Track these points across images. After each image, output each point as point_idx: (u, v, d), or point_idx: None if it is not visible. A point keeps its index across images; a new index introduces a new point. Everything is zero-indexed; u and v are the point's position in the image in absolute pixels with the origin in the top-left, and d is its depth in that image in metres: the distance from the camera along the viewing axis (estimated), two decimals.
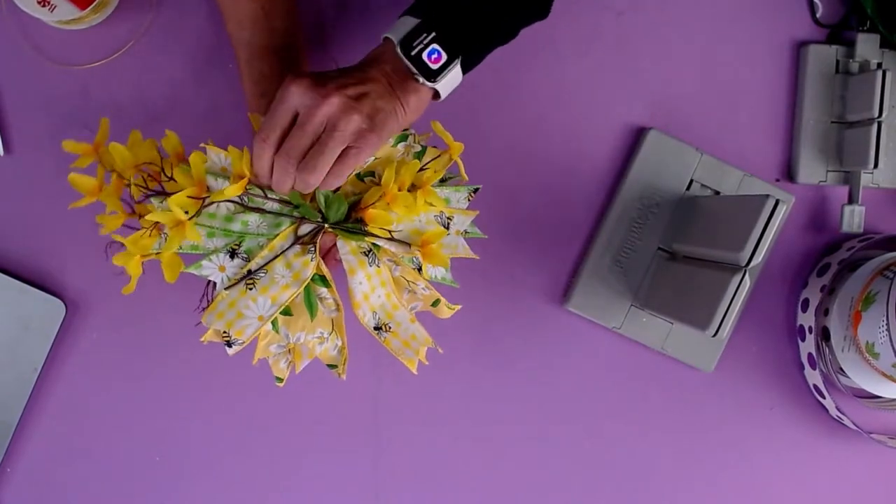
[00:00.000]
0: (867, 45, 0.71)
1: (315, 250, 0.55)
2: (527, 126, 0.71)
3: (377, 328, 0.57)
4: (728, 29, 0.73)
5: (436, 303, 0.59)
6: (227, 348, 0.54)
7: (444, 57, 0.52)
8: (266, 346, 0.57)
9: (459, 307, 0.60)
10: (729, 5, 0.72)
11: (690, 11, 0.72)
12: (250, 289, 0.54)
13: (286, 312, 0.56)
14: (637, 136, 0.72)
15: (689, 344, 0.71)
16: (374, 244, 0.56)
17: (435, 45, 0.52)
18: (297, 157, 0.50)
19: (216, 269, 0.54)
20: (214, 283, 0.55)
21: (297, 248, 0.55)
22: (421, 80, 0.52)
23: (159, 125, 0.68)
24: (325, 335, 0.58)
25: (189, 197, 0.52)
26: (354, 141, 0.50)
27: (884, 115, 0.68)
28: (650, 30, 0.72)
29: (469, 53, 0.54)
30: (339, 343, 0.58)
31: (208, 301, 0.56)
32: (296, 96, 0.49)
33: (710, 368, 0.71)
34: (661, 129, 0.71)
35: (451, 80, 0.53)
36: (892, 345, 0.61)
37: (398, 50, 0.51)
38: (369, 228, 0.55)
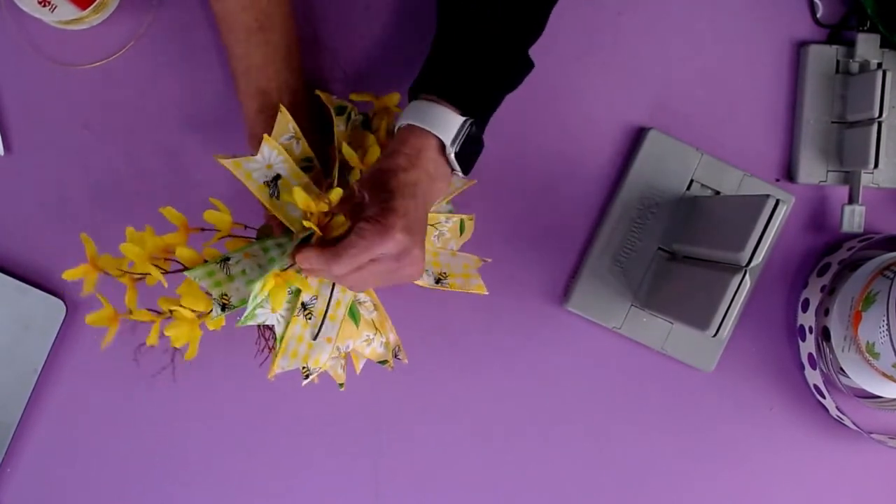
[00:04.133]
0: (867, 45, 0.71)
1: None
2: (527, 126, 0.71)
3: (437, 281, 0.60)
4: (728, 29, 0.73)
5: (462, 228, 0.62)
6: (303, 380, 0.56)
7: (480, 147, 0.55)
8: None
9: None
10: (729, 5, 0.72)
11: (690, 11, 0.72)
12: (309, 318, 0.55)
13: None
14: (637, 136, 0.72)
15: (689, 344, 0.71)
16: None
17: (477, 147, 0.54)
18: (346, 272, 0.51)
19: (269, 313, 0.54)
20: (268, 326, 0.55)
21: None
22: (461, 175, 0.54)
23: (159, 125, 0.68)
24: (371, 336, 0.60)
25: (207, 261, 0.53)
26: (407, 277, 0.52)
27: (884, 115, 0.68)
28: (650, 30, 0.72)
29: (486, 121, 0.56)
30: (384, 339, 0.61)
31: (266, 343, 0.58)
32: (392, 246, 0.49)
33: (710, 368, 0.71)
34: (661, 129, 0.71)
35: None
36: (893, 345, 0.61)
37: (451, 153, 0.52)
38: None
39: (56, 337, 0.67)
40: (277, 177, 0.55)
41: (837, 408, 0.70)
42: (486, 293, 0.62)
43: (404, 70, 0.69)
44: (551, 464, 0.72)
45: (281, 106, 0.56)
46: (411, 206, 0.49)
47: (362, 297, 0.59)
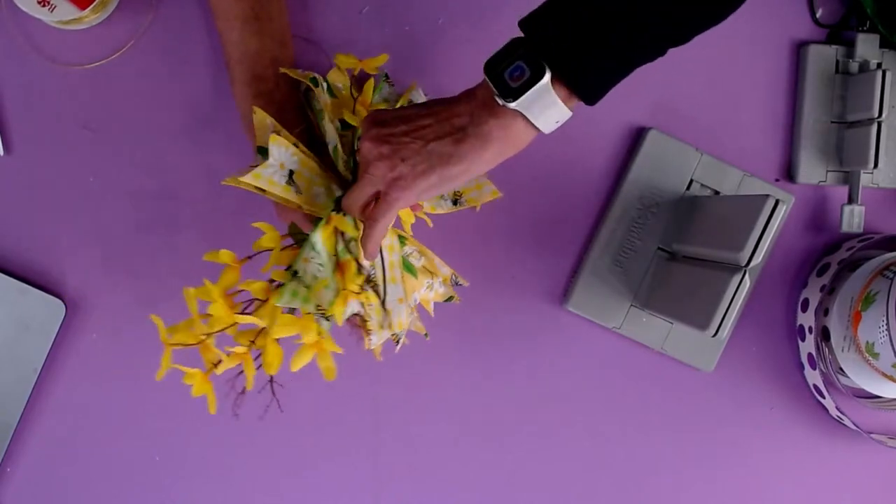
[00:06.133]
0: (867, 45, 0.71)
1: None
2: None
3: (455, 202, 0.61)
4: (728, 29, 0.72)
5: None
6: (396, 346, 0.58)
7: (527, 73, 0.46)
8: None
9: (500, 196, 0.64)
10: None
11: None
12: (375, 289, 0.56)
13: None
14: (637, 136, 0.72)
15: (689, 344, 0.71)
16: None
17: (519, 62, 0.46)
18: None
19: (353, 304, 0.55)
20: (354, 314, 0.56)
21: None
22: (501, 102, 0.46)
23: (159, 125, 0.68)
24: (430, 281, 0.62)
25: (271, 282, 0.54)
26: (383, 186, 0.50)
27: (884, 115, 0.68)
28: None
29: (573, 71, 0.46)
30: (440, 278, 0.63)
31: (358, 328, 0.58)
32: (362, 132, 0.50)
33: (710, 368, 0.71)
34: (661, 129, 0.71)
35: (545, 105, 0.47)
36: (892, 345, 0.61)
37: (483, 69, 0.47)
38: None
39: (56, 337, 0.67)
40: (291, 172, 0.55)
41: (837, 408, 0.70)
42: (501, 195, 0.62)
43: (397, 68, 0.69)
44: (551, 463, 0.72)
45: (254, 107, 0.56)
46: (408, 110, 0.50)
47: (408, 248, 0.60)
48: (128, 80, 0.68)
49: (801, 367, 0.73)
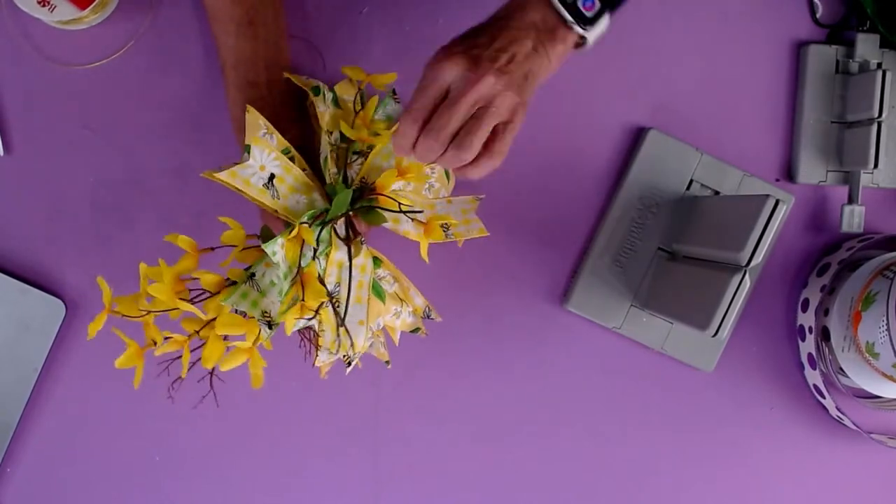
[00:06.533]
0: (867, 45, 0.71)
1: (361, 237, 0.56)
2: (526, 126, 0.71)
3: (444, 228, 0.60)
4: (728, 29, 0.73)
5: (448, 175, 0.62)
6: (347, 367, 0.56)
7: (598, 5, 0.51)
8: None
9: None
10: (729, 5, 0.72)
11: (690, 11, 0.72)
12: (338, 307, 0.55)
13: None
14: (637, 136, 0.72)
15: (689, 344, 0.71)
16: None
17: None
18: (449, 136, 0.49)
19: (306, 319, 0.54)
20: (307, 327, 0.56)
21: (347, 248, 0.56)
22: (575, 27, 0.51)
23: (159, 125, 0.68)
24: (398, 309, 0.61)
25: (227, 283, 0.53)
26: (509, 116, 0.50)
27: (884, 115, 0.68)
28: (650, 30, 0.72)
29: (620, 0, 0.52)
30: (411, 308, 0.62)
31: (311, 343, 0.58)
32: (450, 74, 0.49)
33: (710, 368, 0.71)
34: (661, 129, 0.71)
35: (600, 27, 0.52)
36: (892, 345, 0.61)
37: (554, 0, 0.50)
38: (382, 203, 0.57)
39: (56, 337, 0.67)
40: (272, 176, 0.55)
41: (837, 408, 0.70)
42: (488, 234, 0.62)
43: (397, 68, 0.69)
44: (551, 463, 0.72)
45: (248, 106, 0.56)
46: (485, 40, 0.49)
47: (381, 272, 0.60)
48: (128, 80, 0.68)
49: (801, 367, 0.73)
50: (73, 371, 0.68)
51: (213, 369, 0.54)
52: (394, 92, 0.62)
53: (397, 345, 0.64)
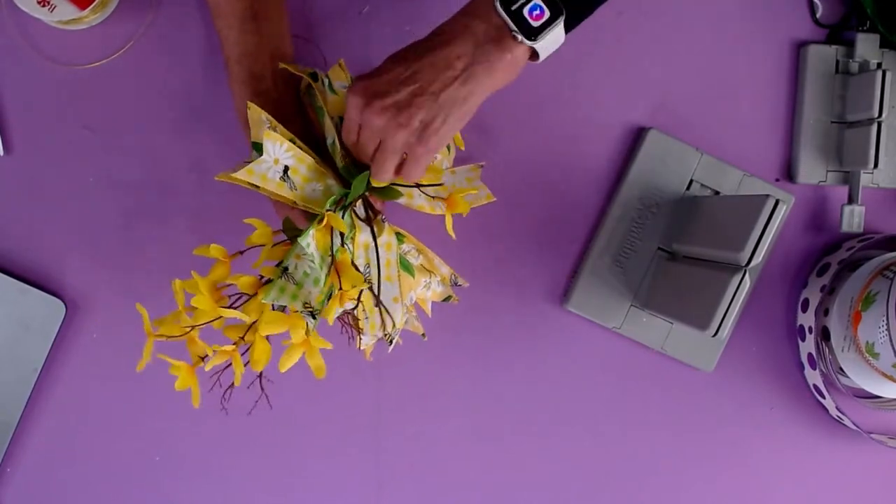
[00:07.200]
0: (867, 45, 0.71)
1: (381, 215, 0.57)
2: (527, 126, 0.71)
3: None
4: (728, 29, 0.73)
5: (448, 146, 0.63)
6: (389, 345, 0.57)
7: (547, 14, 0.49)
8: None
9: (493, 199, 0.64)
10: (729, 5, 0.72)
11: (690, 11, 0.72)
12: (370, 288, 0.56)
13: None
14: (637, 136, 0.72)
15: (689, 344, 0.71)
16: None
17: (537, 1, 0.49)
18: (367, 157, 0.53)
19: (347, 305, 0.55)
20: (346, 312, 0.56)
21: (371, 229, 0.56)
22: (520, 38, 0.49)
23: (159, 125, 0.68)
24: (427, 280, 0.62)
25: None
26: (403, 150, 0.51)
27: (884, 115, 0.68)
28: (650, 29, 0.72)
29: (573, 10, 0.50)
30: (438, 277, 0.63)
31: (351, 327, 0.58)
32: (352, 110, 0.51)
33: (710, 368, 0.71)
34: (661, 129, 0.71)
35: (553, 39, 0.51)
36: (892, 345, 0.61)
37: (497, 5, 0.49)
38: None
39: (56, 337, 0.67)
40: (286, 168, 0.55)
41: (837, 408, 0.70)
42: (495, 199, 0.62)
43: None
44: (551, 463, 0.72)
45: (249, 103, 0.56)
46: (398, 70, 0.49)
47: (405, 247, 0.60)
48: (128, 80, 0.68)
49: (801, 367, 0.73)
50: (73, 371, 0.68)
51: (261, 372, 0.54)
52: None
53: (430, 316, 0.65)
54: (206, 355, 0.53)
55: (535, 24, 0.49)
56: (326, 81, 0.61)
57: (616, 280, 0.70)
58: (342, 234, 0.54)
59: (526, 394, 0.71)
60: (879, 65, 0.71)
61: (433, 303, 0.65)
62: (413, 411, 0.71)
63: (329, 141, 0.58)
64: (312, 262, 0.52)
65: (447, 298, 0.65)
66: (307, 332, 0.52)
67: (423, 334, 0.64)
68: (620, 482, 0.72)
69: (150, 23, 0.68)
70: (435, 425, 0.71)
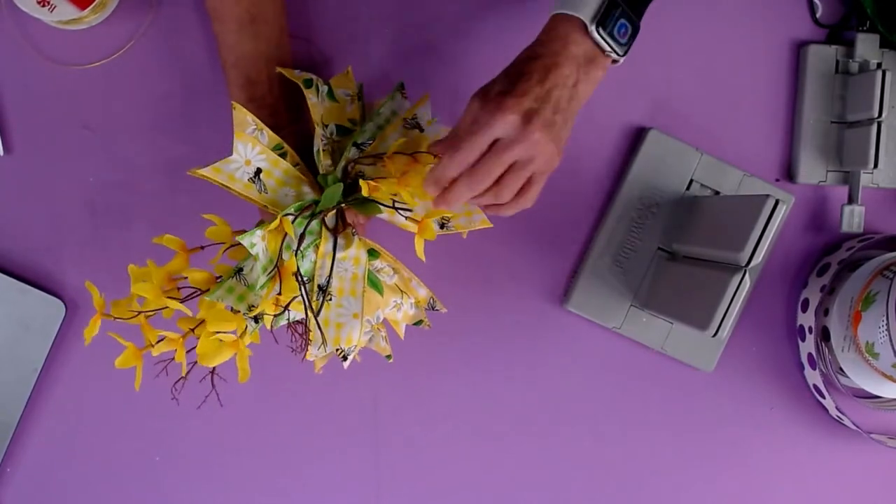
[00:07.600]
0: (867, 45, 0.71)
1: (353, 229, 0.56)
2: None
3: (441, 226, 0.59)
4: (728, 29, 0.73)
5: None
6: (343, 362, 0.55)
7: (630, 29, 0.53)
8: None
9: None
10: (729, 5, 0.72)
11: (690, 11, 0.72)
12: (330, 300, 0.55)
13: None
14: (637, 136, 0.72)
15: (689, 344, 0.71)
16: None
17: (623, 21, 0.53)
18: (487, 186, 0.51)
19: (295, 312, 0.54)
20: (298, 322, 0.55)
21: (341, 240, 0.56)
22: (614, 56, 0.53)
23: (159, 125, 0.68)
24: (399, 301, 0.60)
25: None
26: (545, 167, 0.52)
27: (884, 115, 0.68)
28: (650, 30, 0.72)
29: (641, 17, 0.55)
30: (412, 300, 0.61)
31: (301, 337, 0.57)
32: (502, 128, 0.49)
33: (710, 368, 0.71)
34: (661, 129, 0.71)
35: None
36: (892, 345, 0.61)
37: (594, 30, 0.51)
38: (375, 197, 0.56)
39: (56, 337, 0.67)
40: (258, 171, 0.55)
41: (837, 408, 0.70)
42: (491, 226, 0.61)
43: (397, 67, 0.69)
44: (551, 463, 0.72)
45: (234, 103, 0.56)
46: (536, 90, 0.50)
47: (378, 263, 0.59)
48: (128, 80, 0.68)
49: (801, 367, 0.73)
50: (73, 371, 0.68)
51: (214, 368, 0.54)
52: (402, 86, 0.62)
53: (402, 338, 0.63)
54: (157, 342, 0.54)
55: (623, 40, 0.53)
56: (325, 89, 0.60)
57: (616, 280, 0.70)
58: (300, 241, 0.53)
59: (526, 394, 0.71)
60: (879, 65, 0.71)
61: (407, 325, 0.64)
62: (413, 411, 0.71)
63: (315, 149, 0.58)
64: (261, 265, 0.52)
65: (418, 322, 0.63)
66: (242, 335, 0.52)
67: (389, 356, 0.62)
68: (620, 482, 0.72)
69: (150, 23, 0.68)
70: (434, 425, 0.71)
